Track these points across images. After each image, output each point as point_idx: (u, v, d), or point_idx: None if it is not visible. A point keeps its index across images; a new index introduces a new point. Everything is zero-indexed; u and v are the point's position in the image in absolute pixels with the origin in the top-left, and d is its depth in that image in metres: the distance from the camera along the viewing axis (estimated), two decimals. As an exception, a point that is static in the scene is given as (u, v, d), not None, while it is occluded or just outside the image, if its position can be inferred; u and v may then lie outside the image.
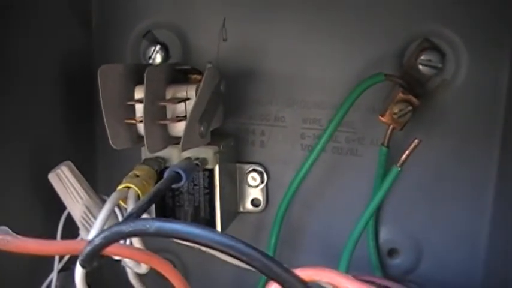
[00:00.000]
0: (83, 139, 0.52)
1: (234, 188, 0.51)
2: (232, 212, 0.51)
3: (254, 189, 0.52)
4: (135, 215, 0.36)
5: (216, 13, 0.50)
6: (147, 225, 0.28)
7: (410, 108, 0.45)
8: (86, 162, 0.54)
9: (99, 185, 0.53)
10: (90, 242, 0.30)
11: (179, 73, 0.45)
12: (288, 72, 0.50)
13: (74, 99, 0.50)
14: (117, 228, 0.29)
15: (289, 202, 0.49)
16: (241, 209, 0.53)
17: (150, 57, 0.51)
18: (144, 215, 0.41)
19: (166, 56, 0.51)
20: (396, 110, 0.45)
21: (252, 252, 0.25)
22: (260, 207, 0.52)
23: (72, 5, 0.50)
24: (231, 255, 0.25)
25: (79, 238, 0.44)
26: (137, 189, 0.40)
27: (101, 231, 0.33)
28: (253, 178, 0.51)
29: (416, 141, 0.43)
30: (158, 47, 0.51)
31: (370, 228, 0.50)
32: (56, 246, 0.34)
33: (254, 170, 0.51)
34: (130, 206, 0.39)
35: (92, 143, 0.53)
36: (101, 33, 0.52)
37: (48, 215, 0.44)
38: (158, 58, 0.51)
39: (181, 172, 0.40)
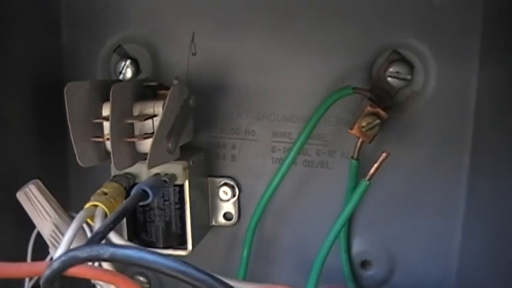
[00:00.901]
0: (55, 155, 0.52)
1: (206, 202, 0.51)
2: (204, 226, 0.51)
3: (226, 203, 0.52)
4: (101, 235, 0.36)
5: (185, 28, 0.50)
6: (101, 251, 0.28)
7: (378, 121, 0.45)
8: (58, 179, 0.53)
9: (72, 202, 0.53)
10: (49, 266, 0.30)
11: (147, 89, 0.45)
12: (257, 86, 0.50)
13: (44, 115, 0.50)
14: (73, 253, 0.29)
15: (260, 215, 0.49)
16: (214, 223, 0.52)
17: (120, 72, 0.51)
18: (111, 234, 0.42)
19: (136, 71, 0.51)
20: (364, 123, 0.45)
21: (204, 277, 0.25)
22: (232, 221, 0.52)
23: (42, 20, 0.50)
24: (184, 281, 0.25)
25: (49, 256, 0.43)
26: (104, 207, 0.40)
27: (62, 253, 0.33)
28: (224, 192, 0.51)
29: (384, 154, 0.43)
30: (128, 61, 0.50)
31: (342, 240, 0.50)
32: (18, 270, 0.34)
33: (225, 184, 0.51)
34: (97, 225, 0.39)
35: (64, 159, 0.53)
36: (71, 48, 0.52)
37: (20, 233, 0.44)
38: (128, 73, 0.50)
39: (147, 190, 0.40)
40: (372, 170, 0.44)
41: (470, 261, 0.49)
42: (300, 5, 0.48)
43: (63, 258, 0.29)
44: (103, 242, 0.36)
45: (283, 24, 0.49)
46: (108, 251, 0.27)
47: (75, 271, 0.31)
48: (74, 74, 0.52)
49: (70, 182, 0.54)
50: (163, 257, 0.26)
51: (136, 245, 0.41)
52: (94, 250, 0.28)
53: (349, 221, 0.50)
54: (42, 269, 0.30)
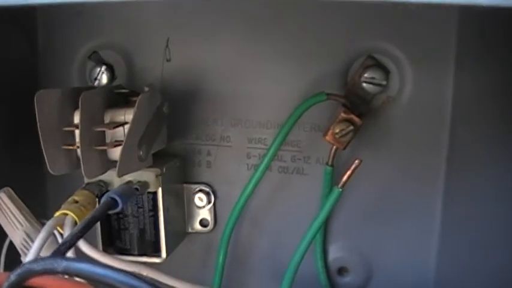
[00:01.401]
0: (31, 163, 0.52)
1: (181, 208, 0.51)
2: (179, 233, 0.51)
3: (202, 209, 0.52)
4: (68, 244, 0.36)
5: (160, 33, 0.49)
6: (55, 264, 0.28)
7: (351, 128, 0.45)
8: (35, 186, 0.53)
9: (50, 209, 0.52)
10: (7, 279, 0.30)
11: (119, 96, 0.45)
12: (232, 92, 0.50)
13: (20, 122, 0.50)
14: (29, 266, 0.29)
15: (235, 222, 0.49)
16: (190, 230, 0.52)
17: (95, 78, 0.50)
18: (81, 243, 0.42)
19: (112, 77, 0.51)
20: (337, 130, 0.45)
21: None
22: (208, 227, 0.52)
23: (17, 27, 0.50)
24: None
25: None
26: (74, 216, 0.40)
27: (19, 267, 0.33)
28: (200, 199, 0.51)
29: (356, 161, 0.43)
30: (104, 67, 0.50)
31: (318, 247, 0.50)
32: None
33: (201, 191, 0.51)
34: (66, 233, 0.39)
35: (40, 167, 0.52)
36: (47, 55, 0.52)
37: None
38: (104, 79, 0.50)
39: (117, 198, 0.40)
40: (345, 177, 0.43)
41: (447, 268, 0.49)
42: (274, 11, 0.48)
43: (19, 271, 0.29)
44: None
45: (257, 30, 0.48)
46: (61, 265, 0.27)
47: (39, 282, 0.31)
48: (50, 81, 0.52)
49: (47, 189, 0.54)
50: (114, 271, 0.26)
51: (88, 260, 0.41)
52: (48, 263, 0.28)
53: (325, 228, 0.50)
54: (2, 281, 0.30)
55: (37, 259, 0.30)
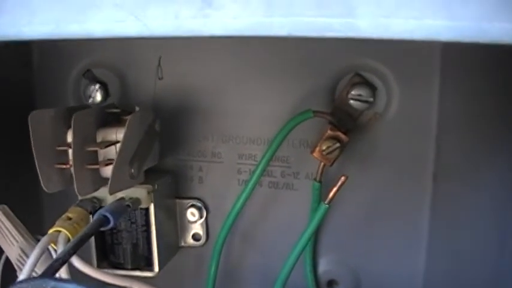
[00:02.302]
0: (27, 179, 0.53)
1: (174, 223, 0.52)
2: (172, 247, 0.52)
3: (194, 224, 0.53)
4: (61, 261, 0.37)
5: (152, 52, 0.50)
6: (44, 285, 0.29)
7: (338, 145, 0.46)
8: (30, 202, 0.54)
9: (45, 225, 0.53)
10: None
11: (111, 115, 0.46)
12: (223, 109, 0.51)
13: (15, 140, 0.51)
14: (19, 286, 0.30)
15: (226, 236, 0.50)
16: (183, 244, 0.53)
17: (90, 96, 0.52)
18: (73, 258, 0.43)
19: (106, 95, 0.52)
20: (324, 147, 0.46)
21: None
22: (201, 242, 0.53)
23: (11, 46, 0.51)
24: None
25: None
26: (67, 233, 0.41)
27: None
28: (192, 213, 0.52)
29: (342, 178, 0.44)
30: (97, 85, 0.51)
31: (308, 260, 0.51)
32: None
33: (193, 206, 0.52)
34: (59, 250, 0.40)
35: (36, 183, 0.54)
36: (42, 72, 0.53)
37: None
38: (98, 97, 0.51)
39: (108, 215, 0.41)
40: (331, 193, 0.44)
41: (435, 280, 0.50)
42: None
43: (9, 291, 0.30)
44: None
45: (247, 48, 0.49)
46: (49, 285, 0.28)
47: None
48: (45, 99, 0.53)
49: (43, 205, 0.55)
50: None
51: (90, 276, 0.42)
52: (37, 284, 0.29)
53: (315, 241, 0.51)
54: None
55: (27, 279, 0.31)
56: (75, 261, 0.43)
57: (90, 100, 0.52)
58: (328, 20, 0.23)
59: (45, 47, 0.53)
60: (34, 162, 0.51)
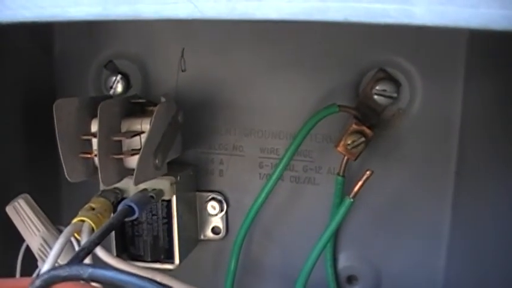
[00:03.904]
0: (47, 169, 0.53)
1: (194, 216, 0.52)
2: (192, 240, 0.52)
3: (214, 217, 0.52)
4: (86, 250, 0.37)
5: (175, 44, 0.50)
6: (81, 271, 0.28)
7: (363, 139, 0.45)
8: (50, 192, 0.54)
9: (64, 215, 0.53)
10: (31, 284, 0.30)
11: (135, 106, 0.46)
12: (246, 102, 0.50)
13: (36, 129, 0.51)
14: (56, 272, 0.30)
15: (247, 230, 0.50)
16: (202, 237, 0.53)
17: (111, 87, 0.51)
18: (98, 249, 0.43)
19: (127, 86, 0.51)
20: (349, 141, 0.46)
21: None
22: (220, 235, 0.53)
23: (34, 35, 0.51)
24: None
25: (37, 270, 0.44)
26: (91, 223, 0.41)
27: (45, 271, 0.33)
28: (212, 207, 0.52)
29: (368, 172, 0.43)
30: (119, 76, 0.51)
31: (328, 255, 0.51)
32: (2, 286, 0.34)
33: (213, 199, 0.52)
34: (83, 240, 0.40)
35: (56, 173, 0.53)
36: (63, 63, 0.53)
37: (10, 247, 0.45)
38: (119, 88, 0.51)
39: (133, 206, 0.41)
40: (356, 188, 0.44)
41: (456, 277, 0.50)
42: (287, 23, 0.49)
43: (45, 276, 0.30)
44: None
45: (271, 42, 0.49)
46: (87, 271, 0.28)
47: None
48: (66, 89, 0.53)
49: (62, 195, 0.55)
50: (138, 278, 0.27)
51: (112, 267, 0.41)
52: (74, 270, 0.29)
53: (336, 237, 0.51)
54: (26, 286, 0.31)
55: (63, 265, 0.30)
56: (99, 251, 0.43)
57: (111, 91, 0.51)
58: (384, 6, 0.23)
59: (67, 37, 0.52)
60: (54, 153, 0.51)
